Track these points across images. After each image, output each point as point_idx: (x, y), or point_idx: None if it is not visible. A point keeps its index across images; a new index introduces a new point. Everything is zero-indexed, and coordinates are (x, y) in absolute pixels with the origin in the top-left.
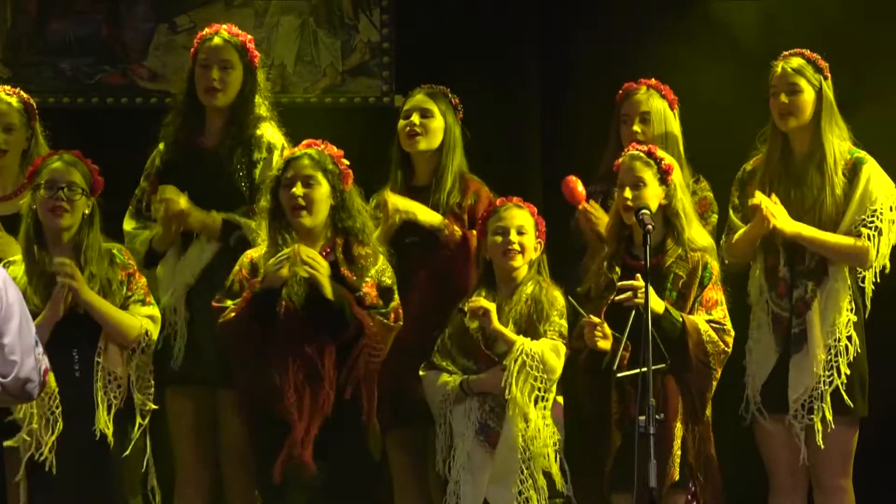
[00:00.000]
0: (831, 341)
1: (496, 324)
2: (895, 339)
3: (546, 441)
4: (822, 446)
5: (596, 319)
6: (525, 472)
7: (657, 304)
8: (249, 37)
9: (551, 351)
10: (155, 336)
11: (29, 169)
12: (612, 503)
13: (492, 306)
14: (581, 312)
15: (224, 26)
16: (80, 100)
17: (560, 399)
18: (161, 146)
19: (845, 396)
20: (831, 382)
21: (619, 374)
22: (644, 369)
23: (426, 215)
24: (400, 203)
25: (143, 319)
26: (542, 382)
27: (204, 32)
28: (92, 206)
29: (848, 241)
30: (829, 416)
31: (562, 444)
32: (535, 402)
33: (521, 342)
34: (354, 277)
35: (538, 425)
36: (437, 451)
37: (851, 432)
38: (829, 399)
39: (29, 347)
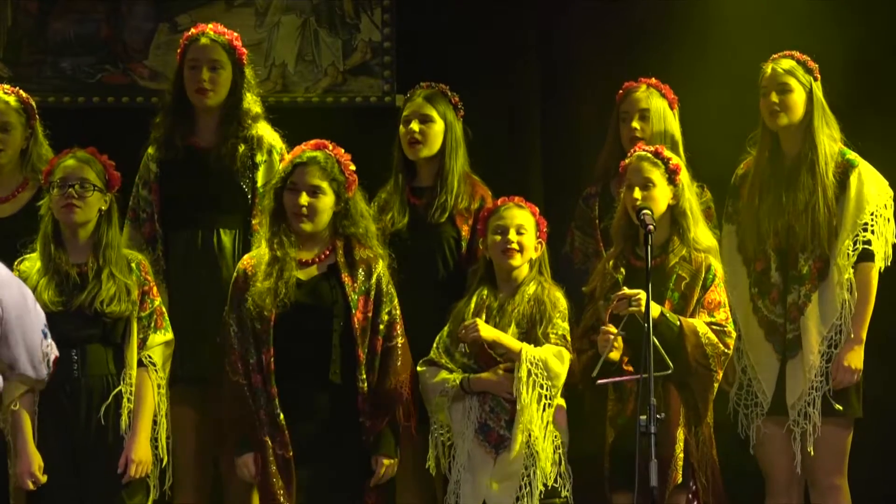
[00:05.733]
0: (825, 347)
1: (491, 333)
2: (891, 338)
3: (546, 445)
4: (812, 452)
5: (612, 330)
6: (525, 479)
7: (653, 309)
8: (236, 34)
9: (555, 357)
10: (167, 366)
11: (45, 170)
12: (613, 503)
13: (481, 323)
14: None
15: (210, 25)
16: (81, 99)
17: (563, 402)
18: (151, 150)
19: (832, 402)
20: (821, 388)
21: (598, 382)
22: (621, 378)
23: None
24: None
25: (154, 376)
26: (547, 390)
27: (190, 32)
28: (109, 202)
29: (868, 284)
30: (817, 422)
31: (566, 446)
32: (544, 410)
33: (525, 350)
34: (352, 285)
35: (541, 431)
36: (430, 446)
37: (846, 433)
38: (818, 404)
39: (33, 346)
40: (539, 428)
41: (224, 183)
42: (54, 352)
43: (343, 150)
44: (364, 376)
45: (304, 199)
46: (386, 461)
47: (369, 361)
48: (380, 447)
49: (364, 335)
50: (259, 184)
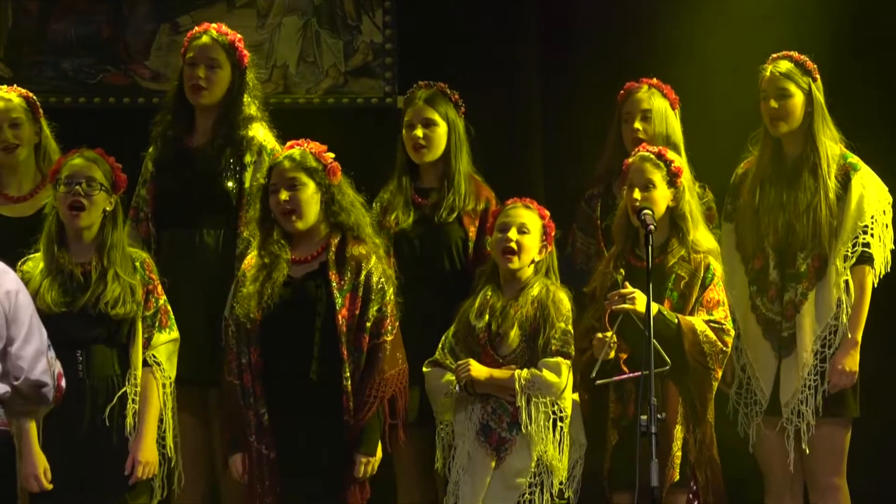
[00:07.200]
0: (819, 346)
1: (482, 371)
2: (891, 338)
3: (563, 458)
4: (807, 450)
5: (608, 334)
6: (528, 495)
7: (651, 307)
8: (239, 36)
9: (549, 371)
10: (173, 365)
11: (51, 168)
12: (613, 503)
13: (473, 363)
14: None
15: (214, 25)
16: (82, 100)
17: (576, 396)
18: (151, 149)
19: (829, 402)
20: (816, 387)
21: (597, 382)
22: (621, 377)
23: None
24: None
25: (159, 375)
26: (552, 405)
27: (193, 31)
28: (115, 204)
29: (865, 287)
30: (811, 421)
31: (584, 449)
32: (553, 426)
33: (516, 377)
34: (339, 283)
35: (556, 449)
36: (437, 447)
37: (844, 432)
38: (812, 403)
39: (39, 352)
40: (554, 447)
41: (208, 183)
42: (58, 367)
43: (318, 144)
44: (348, 375)
45: (285, 195)
46: (363, 458)
47: (355, 359)
48: (360, 444)
49: (349, 333)
50: (246, 185)
